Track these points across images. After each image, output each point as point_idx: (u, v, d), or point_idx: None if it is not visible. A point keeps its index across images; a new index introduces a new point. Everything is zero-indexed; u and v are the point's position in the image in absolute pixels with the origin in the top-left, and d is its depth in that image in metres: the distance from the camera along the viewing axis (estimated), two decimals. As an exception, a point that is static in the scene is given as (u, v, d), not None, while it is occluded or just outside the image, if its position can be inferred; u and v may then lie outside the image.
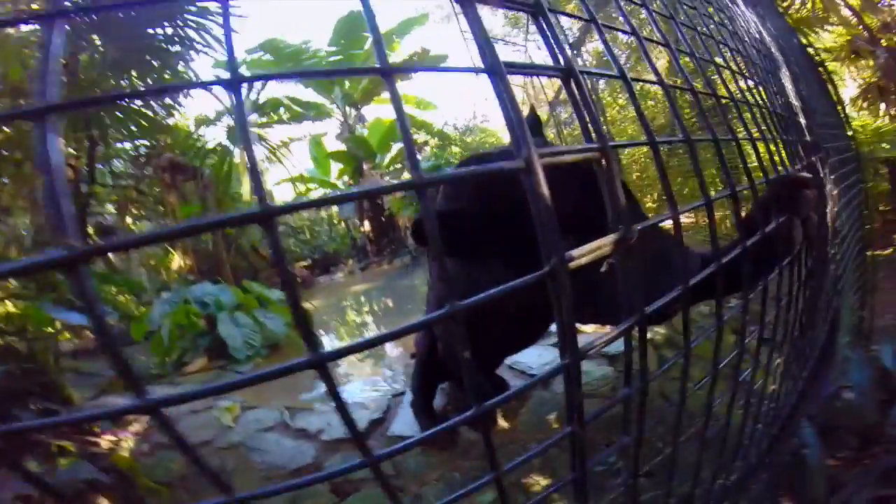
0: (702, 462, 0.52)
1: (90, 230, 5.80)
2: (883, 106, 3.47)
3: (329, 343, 3.71)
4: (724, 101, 0.47)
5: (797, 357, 0.78)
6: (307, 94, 9.03)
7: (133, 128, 4.95)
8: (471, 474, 1.51)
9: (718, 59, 0.53)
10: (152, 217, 6.45)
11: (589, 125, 0.27)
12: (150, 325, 3.09)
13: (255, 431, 1.72)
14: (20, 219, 5.69)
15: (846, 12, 3.30)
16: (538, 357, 1.87)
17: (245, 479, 1.56)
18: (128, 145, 5.65)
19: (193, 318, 3.00)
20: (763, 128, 0.54)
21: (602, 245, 0.23)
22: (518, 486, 1.50)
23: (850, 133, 1.72)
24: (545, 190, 0.21)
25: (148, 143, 5.56)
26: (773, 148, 0.56)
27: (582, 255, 0.22)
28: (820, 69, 1.77)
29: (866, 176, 1.80)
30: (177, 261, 4.79)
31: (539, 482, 1.50)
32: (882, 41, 3.27)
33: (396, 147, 8.82)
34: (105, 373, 2.67)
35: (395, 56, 9.34)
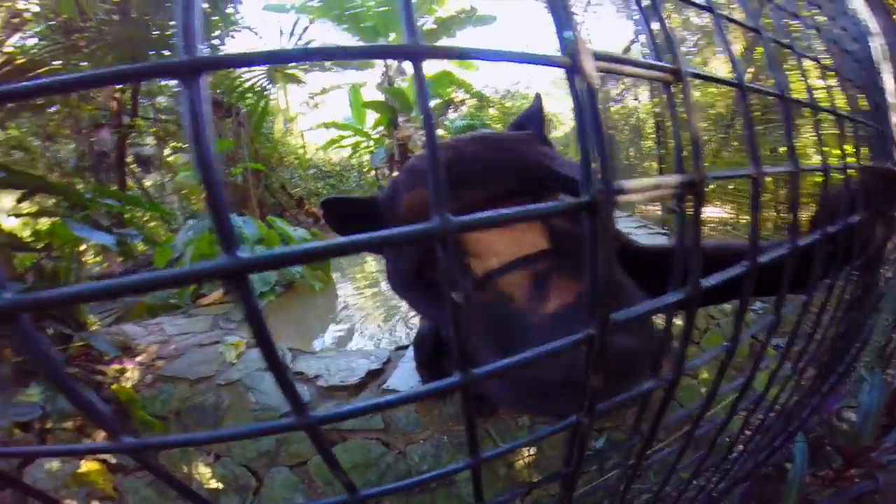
0: (701, 467, 0.47)
1: (129, 159, 6.03)
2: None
3: (344, 287, 3.74)
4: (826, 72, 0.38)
5: (827, 372, 0.70)
6: (353, 41, 8.83)
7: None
8: (459, 439, 1.50)
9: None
10: (188, 150, 6.63)
11: (659, 37, 0.20)
12: (173, 252, 3.13)
13: (254, 370, 1.72)
14: (63, 146, 5.99)
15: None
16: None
17: (238, 417, 1.59)
18: (173, 82, 5.81)
19: (216, 247, 3.00)
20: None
21: (663, 183, 0.17)
22: (502, 460, 1.50)
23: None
24: (595, 94, 0.15)
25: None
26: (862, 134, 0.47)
27: (636, 188, 0.15)
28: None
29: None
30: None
31: (523, 456, 1.49)
32: None
33: (432, 103, 8.60)
34: (125, 298, 2.74)
35: (442, 12, 8.94)
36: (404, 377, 1.63)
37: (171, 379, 1.76)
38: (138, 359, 1.87)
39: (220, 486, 1.53)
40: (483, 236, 0.43)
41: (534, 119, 0.75)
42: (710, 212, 3.28)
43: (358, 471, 1.46)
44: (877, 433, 1.07)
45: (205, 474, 1.54)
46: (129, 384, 1.74)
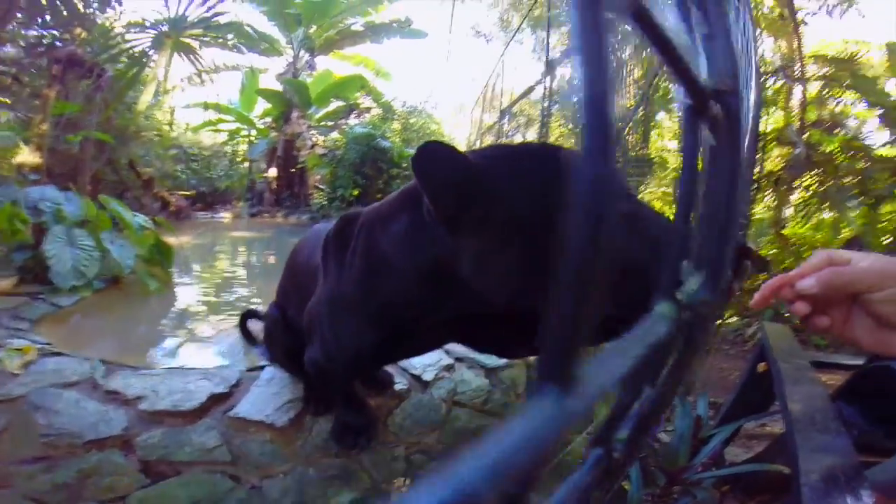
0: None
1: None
2: (768, 197, 3.47)
3: (187, 291, 3.21)
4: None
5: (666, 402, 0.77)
6: (267, 26, 8.14)
7: (48, 17, 4.14)
8: (328, 472, 1.33)
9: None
10: (18, 107, 5.28)
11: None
12: (-43, 225, 2.36)
13: (49, 385, 1.33)
14: None
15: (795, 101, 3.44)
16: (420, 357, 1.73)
17: (20, 444, 1.21)
18: (33, 32, 4.74)
19: (19, 224, 2.34)
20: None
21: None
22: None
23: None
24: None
25: (58, 34, 4.64)
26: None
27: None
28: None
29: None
30: (24, 154, 3.86)
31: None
32: (806, 135, 3.22)
33: (335, 104, 8.33)
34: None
35: (376, 16, 8.78)
36: (258, 403, 1.41)
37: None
38: None
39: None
40: None
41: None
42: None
43: (202, 506, 1.20)
44: (688, 454, 1.25)
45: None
46: None
